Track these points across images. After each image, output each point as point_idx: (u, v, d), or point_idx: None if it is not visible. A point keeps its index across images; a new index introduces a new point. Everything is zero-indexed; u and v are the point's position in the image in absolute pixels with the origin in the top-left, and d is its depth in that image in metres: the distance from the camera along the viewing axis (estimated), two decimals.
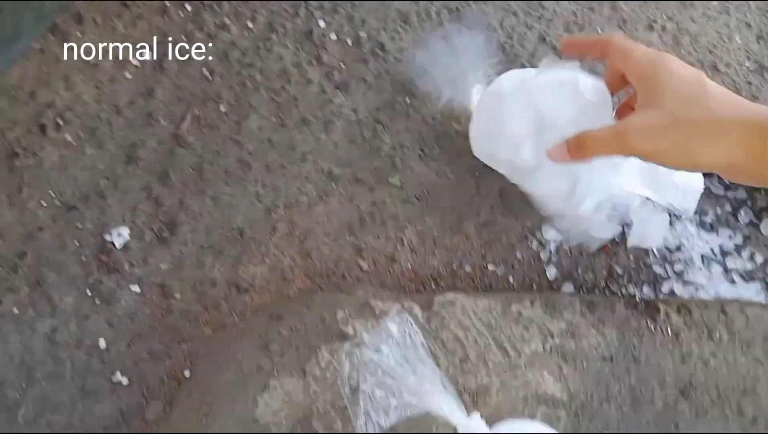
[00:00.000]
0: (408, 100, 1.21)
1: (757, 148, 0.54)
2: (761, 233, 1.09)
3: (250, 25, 1.28)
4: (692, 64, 1.29)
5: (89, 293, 0.94)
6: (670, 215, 1.08)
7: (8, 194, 1.01)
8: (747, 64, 1.31)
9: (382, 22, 1.31)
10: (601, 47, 0.68)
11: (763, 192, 1.12)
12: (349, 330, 0.83)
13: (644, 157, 0.61)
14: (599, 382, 0.82)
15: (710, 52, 1.33)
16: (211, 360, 0.87)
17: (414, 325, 0.83)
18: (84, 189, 1.04)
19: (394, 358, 0.78)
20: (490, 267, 1.01)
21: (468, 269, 1.01)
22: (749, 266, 1.05)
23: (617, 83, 0.72)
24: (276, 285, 0.97)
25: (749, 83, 1.28)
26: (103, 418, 0.86)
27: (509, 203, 1.09)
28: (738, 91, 1.26)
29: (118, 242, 0.98)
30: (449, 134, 1.17)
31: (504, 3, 1.35)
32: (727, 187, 1.13)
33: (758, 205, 1.11)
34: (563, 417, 0.80)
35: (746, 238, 1.09)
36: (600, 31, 1.32)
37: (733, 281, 1.01)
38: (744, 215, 1.10)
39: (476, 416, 0.72)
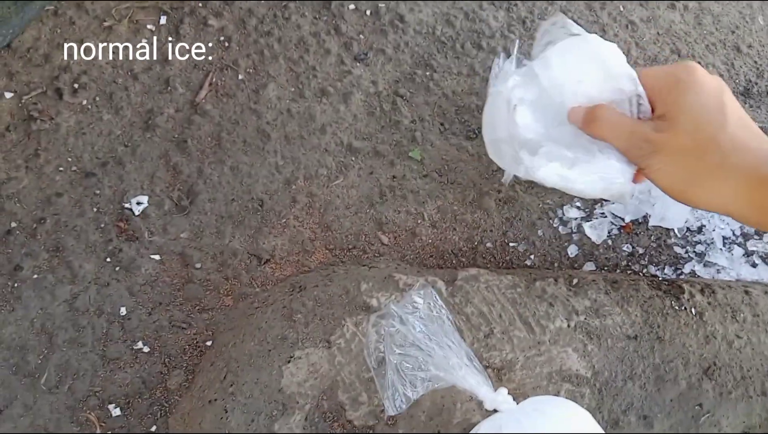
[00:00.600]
0: (428, 74, 1.19)
1: (759, 201, 0.52)
2: None
3: None
4: (714, 45, 1.28)
5: (109, 261, 0.92)
6: None
7: (25, 159, 1.00)
8: None
9: None
10: None
11: None
12: (374, 302, 0.83)
13: (643, 172, 0.59)
14: (623, 360, 0.82)
15: (732, 32, 1.31)
16: (233, 329, 0.86)
17: (439, 299, 0.82)
18: (101, 155, 1.02)
19: (421, 331, 0.77)
20: (512, 244, 1.01)
21: (489, 245, 1.01)
22: None
23: None
24: (297, 257, 0.97)
25: None
26: (124, 386, 0.85)
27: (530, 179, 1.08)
28: (760, 74, 1.25)
29: (137, 210, 0.97)
30: (470, 109, 1.15)
31: None
32: None
33: None
34: (587, 395, 0.80)
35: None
36: (622, 9, 1.30)
37: (754, 265, 1.01)
38: None
39: (503, 391, 0.72)
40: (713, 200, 0.54)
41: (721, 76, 1.24)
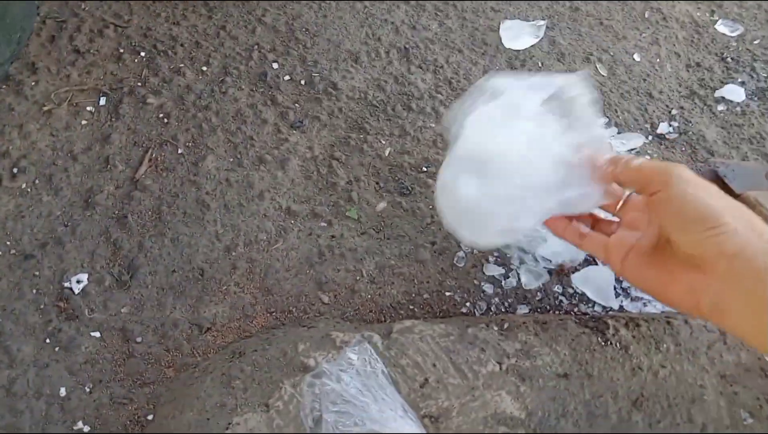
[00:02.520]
0: (362, 136, 1.25)
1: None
2: None
3: (204, 69, 1.32)
4: (628, 93, 1.37)
5: (48, 341, 0.93)
6: None
7: None
8: (678, 90, 1.40)
9: (333, 62, 1.36)
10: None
11: None
12: (311, 362, 0.85)
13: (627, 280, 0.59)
14: (555, 399, 0.85)
15: (644, 80, 1.41)
16: (173, 401, 0.87)
17: (374, 353, 0.85)
18: (41, 237, 1.04)
19: (355, 386, 0.79)
20: (447, 294, 1.05)
21: (426, 296, 1.04)
22: None
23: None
24: (238, 323, 0.98)
25: (682, 108, 1.36)
26: None
27: None
28: (672, 117, 1.34)
29: (77, 288, 0.98)
30: (402, 167, 1.21)
31: (449, 41, 1.42)
32: None
33: None
34: None
35: None
36: (541, 65, 1.40)
37: None
38: None
39: None
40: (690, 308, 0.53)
41: (636, 121, 1.33)
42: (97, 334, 0.94)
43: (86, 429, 0.87)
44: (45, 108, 1.19)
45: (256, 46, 1.37)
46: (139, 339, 0.95)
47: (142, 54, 1.32)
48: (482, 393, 0.84)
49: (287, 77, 1.33)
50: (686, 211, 0.51)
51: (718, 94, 1.39)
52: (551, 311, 1.04)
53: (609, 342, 0.91)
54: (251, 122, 1.24)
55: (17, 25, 1.19)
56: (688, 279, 0.53)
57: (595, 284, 1.05)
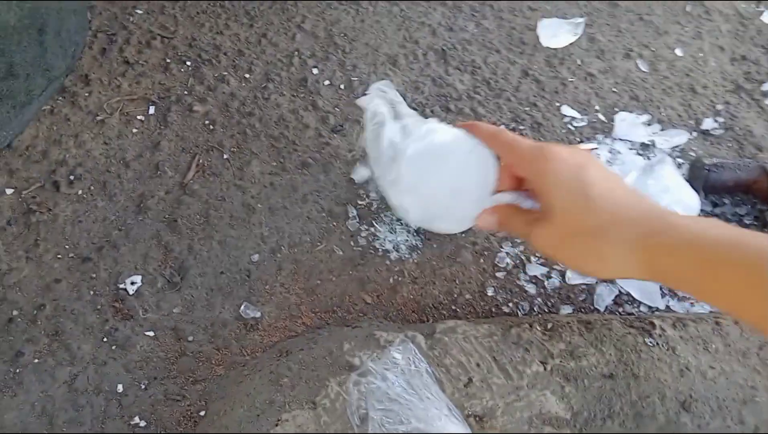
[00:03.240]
0: None
1: (649, 265, 0.56)
2: None
3: (247, 76, 1.35)
4: (671, 89, 1.35)
5: (105, 340, 0.97)
6: None
7: (25, 250, 1.06)
8: (723, 84, 1.37)
9: (371, 66, 1.38)
10: (472, 131, 0.74)
11: (748, 208, 1.16)
12: (356, 361, 0.87)
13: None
14: (601, 399, 0.85)
15: (687, 75, 1.39)
16: (224, 398, 0.90)
17: (418, 353, 0.86)
18: (97, 240, 1.08)
19: (401, 385, 0.81)
20: (489, 293, 1.05)
21: (468, 296, 1.05)
22: None
23: (510, 181, 0.73)
24: (284, 323, 1.01)
25: (727, 102, 1.33)
26: None
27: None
28: (716, 112, 1.32)
29: (131, 289, 1.02)
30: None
31: (486, 41, 1.42)
32: (715, 204, 1.17)
33: (745, 222, 1.15)
34: None
35: None
36: (580, 63, 1.39)
37: None
38: None
39: None
40: (610, 273, 0.60)
41: (679, 117, 1.31)
42: (151, 333, 0.98)
43: (142, 424, 0.90)
44: (98, 118, 1.25)
45: (296, 53, 1.40)
46: (190, 338, 0.98)
47: (188, 63, 1.36)
48: (527, 393, 0.85)
49: (327, 82, 1.35)
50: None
51: (765, 87, 1.35)
52: (595, 312, 1.04)
53: (656, 343, 0.90)
54: (293, 126, 1.27)
55: (71, 39, 1.24)
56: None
57: (640, 283, 1.04)
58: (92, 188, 1.15)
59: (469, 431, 0.76)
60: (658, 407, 0.85)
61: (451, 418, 0.77)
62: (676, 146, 1.26)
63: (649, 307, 1.04)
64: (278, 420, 0.82)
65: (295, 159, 1.22)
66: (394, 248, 1.10)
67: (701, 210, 1.12)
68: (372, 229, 1.13)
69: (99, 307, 1.01)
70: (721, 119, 1.31)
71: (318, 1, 1.50)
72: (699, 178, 1.14)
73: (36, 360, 0.94)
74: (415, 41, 1.44)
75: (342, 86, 1.35)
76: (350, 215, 1.15)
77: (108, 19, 1.43)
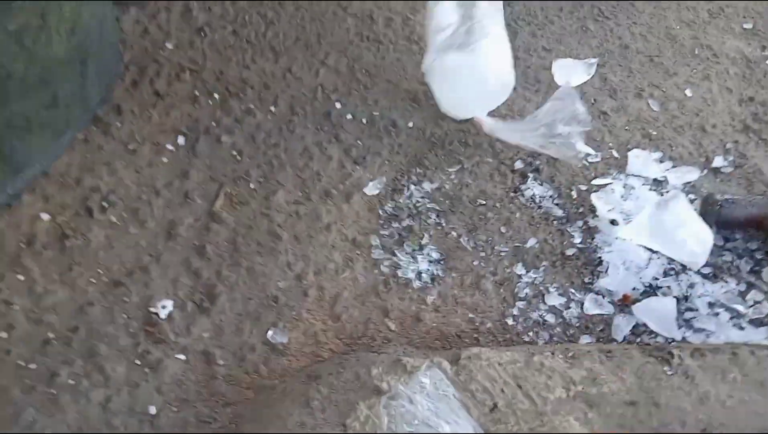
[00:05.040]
0: (421, 171, 1.31)
1: None
2: (763, 280, 1.16)
3: (273, 109, 1.41)
4: (681, 127, 1.41)
5: (138, 363, 1.00)
6: (676, 271, 1.14)
7: (60, 273, 1.09)
8: (732, 124, 1.42)
9: (392, 102, 1.44)
10: None
11: (759, 243, 1.19)
12: (384, 386, 0.89)
13: None
14: (624, 426, 0.87)
15: (697, 115, 1.44)
16: (255, 421, 0.92)
17: (445, 378, 0.89)
18: (129, 265, 1.12)
19: (429, 408, 0.83)
20: (510, 322, 1.08)
21: (489, 325, 1.08)
22: (754, 311, 1.11)
23: None
24: (311, 348, 1.04)
25: (736, 141, 1.38)
26: None
27: (527, 259, 1.17)
28: (726, 150, 1.36)
29: (163, 313, 1.05)
30: (462, 201, 1.26)
31: None
32: (727, 239, 1.20)
33: (756, 256, 1.18)
34: None
35: (749, 285, 1.15)
36: (593, 102, 1.44)
37: (741, 328, 1.07)
38: (745, 264, 1.17)
39: None
40: None
41: (690, 154, 1.35)
42: (182, 357, 1.01)
43: None
44: (130, 147, 1.29)
45: (320, 87, 1.46)
46: (220, 362, 1.01)
47: (216, 96, 1.42)
48: (550, 418, 0.87)
49: (349, 116, 1.40)
50: None
51: None
52: (614, 341, 1.06)
53: (675, 371, 0.93)
54: (317, 158, 1.32)
55: (108, 71, 1.30)
56: None
57: (657, 315, 1.07)
58: (124, 214, 1.19)
59: None
60: None
61: None
62: (688, 182, 1.30)
63: (666, 338, 1.07)
64: None
65: (320, 189, 1.26)
66: (416, 277, 1.14)
67: (713, 244, 1.16)
68: (395, 258, 1.16)
69: (131, 330, 1.04)
70: (730, 157, 1.35)
71: (341, 32, 1.56)
72: (711, 213, 1.18)
73: (71, 381, 0.97)
74: None
75: (364, 120, 1.40)
76: (373, 244, 1.18)
77: (140, 53, 1.49)
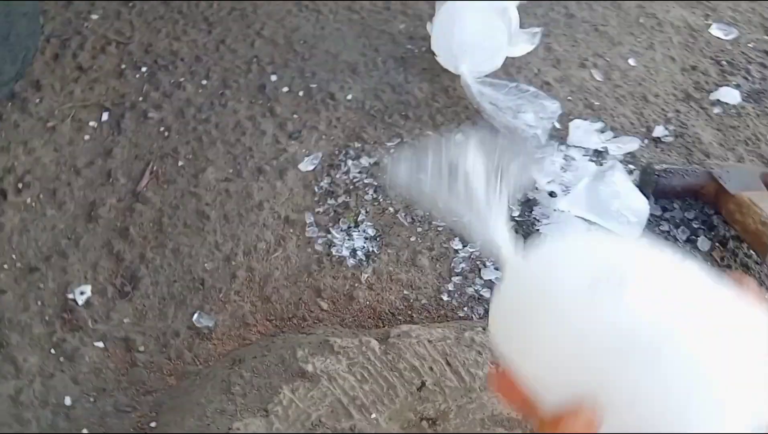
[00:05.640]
0: (358, 145, 1.27)
1: None
2: (699, 249, 1.16)
3: (204, 82, 1.34)
4: (624, 97, 1.39)
5: (53, 352, 0.95)
6: None
7: None
8: (674, 93, 1.41)
9: (331, 74, 1.38)
10: None
11: (696, 212, 1.19)
12: (309, 368, 0.86)
13: None
14: None
15: (640, 84, 1.42)
16: (175, 408, 0.88)
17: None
18: (45, 250, 1.06)
19: None
20: (445, 298, 1.06)
21: (424, 301, 1.05)
22: None
23: None
24: (238, 331, 1.00)
25: (677, 111, 1.37)
26: None
27: (463, 235, 1.14)
28: (668, 120, 1.35)
29: (81, 300, 1.00)
30: (400, 175, 1.22)
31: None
32: (665, 209, 1.20)
33: (693, 225, 1.18)
34: None
35: (684, 254, 1.15)
36: (537, 71, 1.41)
37: None
38: (681, 233, 1.17)
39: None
40: None
41: (631, 124, 1.34)
42: (101, 344, 0.96)
43: None
44: (49, 124, 1.22)
45: (255, 59, 1.40)
46: (141, 349, 0.96)
47: (144, 69, 1.35)
48: (479, 395, 0.85)
49: (286, 89, 1.35)
50: None
51: (713, 96, 1.40)
52: None
53: None
54: (250, 133, 1.26)
55: (22, 44, 1.22)
56: None
57: None
58: (41, 196, 1.12)
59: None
60: None
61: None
62: (628, 153, 1.28)
63: None
64: (229, 429, 0.80)
65: (252, 166, 1.21)
66: (350, 254, 1.10)
67: (651, 214, 1.15)
68: (329, 236, 1.13)
69: (47, 318, 0.98)
70: (671, 127, 1.34)
71: (278, 3, 1.49)
72: (649, 183, 1.17)
73: None
74: (375, 48, 1.45)
75: (301, 93, 1.34)
76: (307, 222, 1.14)
77: (62, 24, 1.41)
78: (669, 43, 1.51)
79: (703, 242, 1.16)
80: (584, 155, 1.27)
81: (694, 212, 1.19)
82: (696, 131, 1.34)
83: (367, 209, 1.17)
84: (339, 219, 1.15)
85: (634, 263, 0.42)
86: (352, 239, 1.13)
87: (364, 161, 1.24)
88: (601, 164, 1.24)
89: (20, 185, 1.13)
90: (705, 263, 1.10)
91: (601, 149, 1.28)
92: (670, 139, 1.32)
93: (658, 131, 1.33)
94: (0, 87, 1.19)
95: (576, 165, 1.24)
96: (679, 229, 1.17)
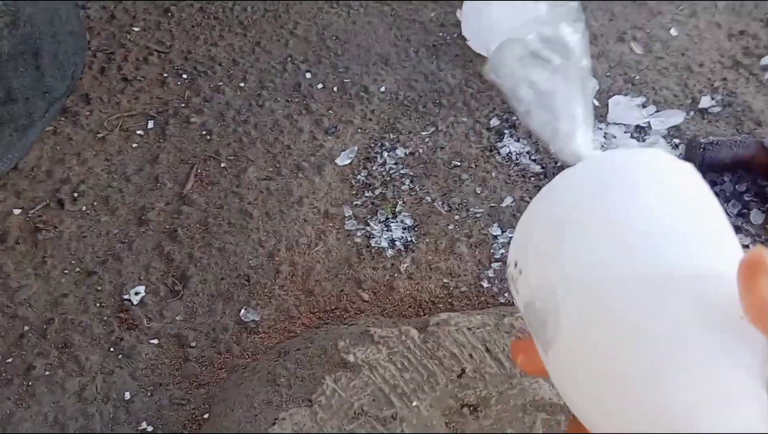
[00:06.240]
0: (393, 136, 1.28)
1: None
2: (751, 222, 1.11)
3: (242, 85, 1.38)
4: (666, 69, 1.34)
5: (112, 350, 1.00)
6: None
7: (34, 267, 1.10)
8: (721, 61, 1.35)
9: (364, 67, 1.40)
10: None
11: (748, 184, 1.14)
12: (350, 358, 0.88)
13: None
14: None
15: (683, 54, 1.37)
16: (225, 400, 0.92)
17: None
18: (101, 254, 1.12)
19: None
20: (485, 284, 1.05)
21: (463, 289, 1.06)
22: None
23: None
24: (283, 324, 1.03)
25: (725, 79, 1.31)
26: None
27: (503, 218, 1.14)
28: (714, 89, 1.30)
29: (136, 300, 1.05)
30: (437, 164, 1.23)
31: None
32: (714, 182, 1.15)
33: (745, 198, 1.13)
34: (563, 422, 0.82)
35: (737, 228, 1.11)
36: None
37: None
38: (732, 207, 1.12)
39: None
40: None
41: (675, 97, 1.29)
42: (155, 341, 1.01)
43: (149, 429, 0.93)
44: (99, 135, 1.29)
45: (289, 58, 1.42)
46: (193, 344, 1.01)
47: (184, 76, 1.40)
48: (520, 380, 0.85)
49: (320, 85, 1.37)
50: None
51: (764, 61, 1.33)
52: None
53: None
54: (288, 131, 1.29)
55: (70, 60, 1.28)
56: None
57: None
58: (95, 203, 1.19)
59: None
60: None
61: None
62: (673, 127, 1.24)
63: None
64: (276, 419, 0.83)
65: (290, 163, 1.24)
66: (389, 245, 1.12)
67: None
68: (368, 228, 1.14)
69: (105, 318, 1.04)
70: (719, 96, 1.29)
71: (310, 2, 1.51)
72: (695, 157, 1.13)
73: (47, 373, 0.98)
74: (407, 39, 1.45)
75: (335, 88, 1.36)
76: (346, 215, 1.16)
77: (106, 38, 1.47)
78: (713, 8, 1.44)
79: (756, 215, 1.11)
80: (625, 132, 1.23)
81: (745, 184, 1.14)
82: (746, 99, 1.28)
83: (404, 200, 1.18)
84: (377, 211, 1.17)
85: None
86: (390, 230, 1.14)
87: (400, 151, 1.25)
88: (644, 140, 1.21)
89: (75, 195, 1.19)
90: (758, 238, 1.06)
91: (644, 125, 1.24)
92: (717, 109, 1.27)
93: (705, 101, 1.28)
94: (53, 103, 1.26)
95: (616, 143, 1.21)
96: (729, 203, 1.13)
